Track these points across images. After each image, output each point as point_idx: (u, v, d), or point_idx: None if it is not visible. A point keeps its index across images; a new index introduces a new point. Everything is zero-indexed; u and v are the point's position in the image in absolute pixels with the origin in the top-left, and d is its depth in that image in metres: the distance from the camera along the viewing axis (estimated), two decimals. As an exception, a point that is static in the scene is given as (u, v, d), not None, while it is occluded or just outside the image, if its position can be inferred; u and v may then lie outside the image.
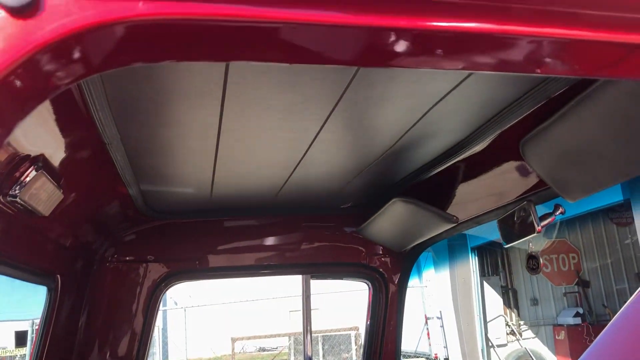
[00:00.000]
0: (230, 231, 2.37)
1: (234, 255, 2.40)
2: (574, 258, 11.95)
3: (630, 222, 9.04)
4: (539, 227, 1.53)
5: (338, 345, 13.29)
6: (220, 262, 2.37)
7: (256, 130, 1.42)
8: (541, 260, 1.82)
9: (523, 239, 1.61)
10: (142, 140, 1.44)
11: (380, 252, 2.48)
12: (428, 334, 12.30)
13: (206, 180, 1.83)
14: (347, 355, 13.34)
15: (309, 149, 1.58)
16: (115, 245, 2.17)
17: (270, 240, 2.42)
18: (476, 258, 11.64)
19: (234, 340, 12.14)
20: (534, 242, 1.67)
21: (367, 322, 2.59)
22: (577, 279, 11.83)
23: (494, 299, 12.12)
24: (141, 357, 2.24)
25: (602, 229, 11.71)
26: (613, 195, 6.80)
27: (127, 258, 2.20)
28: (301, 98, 1.23)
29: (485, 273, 12.27)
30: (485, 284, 12.07)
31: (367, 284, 2.54)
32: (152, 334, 2.30)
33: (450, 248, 11.40)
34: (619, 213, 10.68)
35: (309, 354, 2.59)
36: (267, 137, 1.47)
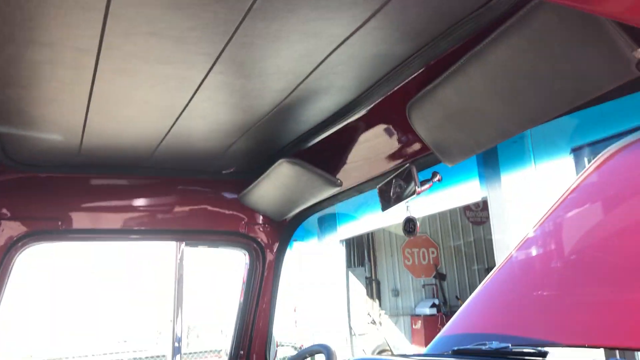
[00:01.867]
0: (100, 190, 2.18)
1: (101, 217, 2.21)
2: (433, 252, 12.80)
3: (485, 221, 9.85)
4: (419, 190, 1.58)
5: (204, 334, 13.04)
6: (87, 224, 2.17)
7: (139, 62, 1.28)
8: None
9: (402, 202, 1.66)
10: (3, 62, 1.25)
11: (260, 222, 2.44)
12: (295, 323, 12.49)
13: (77, 126, 1.65)
14: (211, 343, 13.14)
15: (194, 96, 1.48)
16: None
17: (142, 203, 2.27)
18: (344, 248, 12.03)
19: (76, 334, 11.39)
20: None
21: (240, 297, 2.53)
22: (435, 272, 12.68)
23: (359, 289, 12.60)
24: None
25: (460, 226, 12.68)
26: (473, 195, 7.34)
27: None
28: (194, 24, 1.13)
29: (351, 264, 12.71)
30: (350, 274, 12.51)
31: (244, 254, 2.48)
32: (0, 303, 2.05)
33: (320, 238, 11.67)
34: (474, 212, 11.61)
35: (179, 333, 2.49)
36: (151, 72, 1.34)
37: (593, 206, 2.57)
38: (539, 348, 1.96)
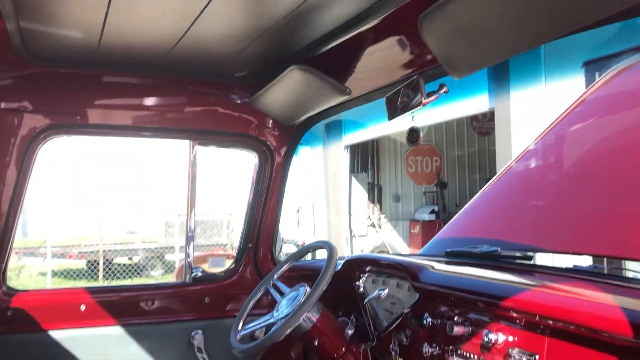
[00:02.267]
0: (116, 87, 2.26)
1: (118, 113, 2.30)
2: (436, 161, 12.97)
3: (491, 132, 9.88)
4: (425, 101, 1.65)
5: (210, 229, 13.55)
6: (104, 119, 2.27)
7: None
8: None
9: (408, 112, 1.73)
10: None
11: (270, 125, 2.52)
12: (298, 222, 12.92)
13: (97, 23, 1.70)
14: (218, 237, 13.70)
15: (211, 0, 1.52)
16: None
17: (157, 101, 2.35)
18: (348, 155, 12.18)
19: (99, 220, 11.88)
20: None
21: (249, 196, 2.67)
22: (437, 180, 12.93)
23: (361, 194, 12.92)
24: (14, 212, 2.15)
25: (465, 136, 12.75)
26: (480, 104, 7.36)
27: (2, 105, 2.03)
28: None
29: (354, 169, 12.94)
30: (354, 179, 12.77)
31: (254, 156, 2.59)
32: (25, 192, 2.19)
33: (325, 144, 11.80)
34: (481, 122, 11.62)
35: (192, 225, 2.64)
36: None
37: (597, 120, 2.62)
38: (526, 252, 2.11)
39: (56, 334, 2.25)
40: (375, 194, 13.32)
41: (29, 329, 2.22)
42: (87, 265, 12.39)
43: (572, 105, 2.67)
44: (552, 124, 2.72)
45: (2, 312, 2.17)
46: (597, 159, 2.36)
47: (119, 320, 2.34)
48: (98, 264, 11.47)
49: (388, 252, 12.38)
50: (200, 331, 2.44)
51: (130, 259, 13.21)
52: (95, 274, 11.68)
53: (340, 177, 11.80)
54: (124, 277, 12.12)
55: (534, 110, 6.12)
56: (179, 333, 2.43)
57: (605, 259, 2.70)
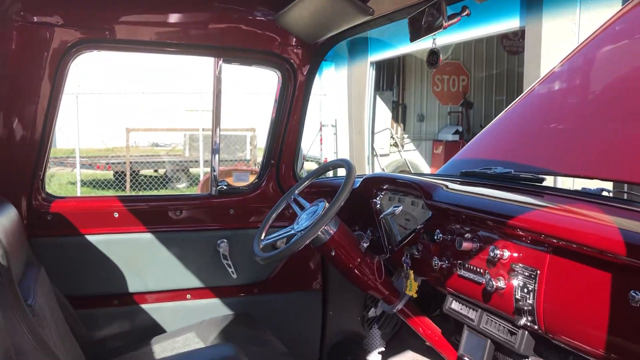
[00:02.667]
0: (144, 3, 2.30)
1: (145, 29, 2.35)
2: (463, 80, 12.73)
3: (521, 51, 9.62)
4: (446, 24, 1.66)
5: (233, 145, 13.73)
6: (131, 35, 2.32)
7: None
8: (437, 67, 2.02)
9: (431, 34, 1.75)
10: None
11: (294, 43, 2.55)
12: (321, 140, 13.01)
13: None
14: (242, 154, 13.91)
15: None
16: (21, 1, 2.04)
17: (183, 18, 2.38)
18: (374, 72, 12.00)
19: (128, 130, 12.09)
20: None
21: (272, 114, 2.74)
22: (462, 100, 12.76)
23: (384, 113, 12.84)
24: (49, 124, 2.26)
25: (494, 55, 12.41)
26: (511, 22, 7.15)
27: (35, 19, 2.09)
28: None
29: (379, 87, 12.79)
30: (378, 98, 12.65)
31: (277, 74, 2.64)
32: (59, 105, 2.30)
33: (350, 60, 11.62)
34: (512, 41, 11.27)
35: (217, 140, 2.73)
36: None
37: (625, 44, 2.57)
38: (538, 175, 2.17)
39: (92, 238, 2.43)
40: (399, 112, 13.23)
41: (67, 232, 2.40)
42: (114, 176, 12.80)
43: (601, 27, 2.61)
44: (579, 46, 2.68)
45: (43, 217, 2.35)
46: (618, 85, 2.35)
47: (149, 227, 2.51)
48: (125, 175, 11.82)
49: (410, 172, 12.50)
50: (225, 240, 2.60)
51: (156, 171, 13.58)
52: (122, 184, 12.07)
53: (364, 95, 11.71)
54: (150, 188, 12.53)
55: (566, 31, 5.94)
56: (206, 241, 2.60)
57: (614, 184, 2.75)
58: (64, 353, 1.72)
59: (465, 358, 2.01)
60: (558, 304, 1.55)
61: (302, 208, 2.30)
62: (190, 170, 13.59)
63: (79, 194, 10.83)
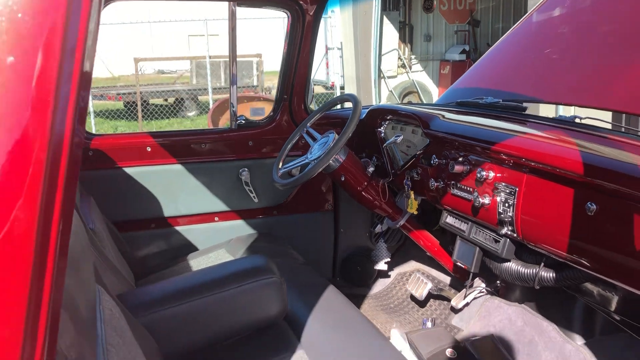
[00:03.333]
0: None
1: None
2: (470, -3, 12.55)
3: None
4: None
5: (240, 71, 13.75)
6: None
7: None
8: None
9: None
10: None
11: None
12: (327, 64, 13.03)
13: None
14: (248, 80, 13.98)
15: None
16: None
17: None
18: (381, -9, 11.83)
19: (137, 60, 12.17)
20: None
21: (283, 53, 2.95)
22: (469, 19, 12.63)
23: (391, 34, 12.75)
24: None
25: (502, -30, 12.15)
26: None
27: None
28: None
29: (386, 8, 12.62)
30: (385, 18, 12.52)
31: (287, 14, 2.83)
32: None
33: (356, -19, 11.42)
34: (519, -46, 11.02)
35: (234, 78, 2.97)
36: None
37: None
38: (522, 104, 2.42)
39: (129, 170, 2.74)
40: (406, 33, 13.12)
41: (107, 166, 2.71)
42: (125, 106, 13.02)
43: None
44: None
45: (85, 153, 2.65)
46: (607, 17, 2.52)
47: (178, 159, 2.81)
48: (135, 104, 12.02)
49: (418, 93, 12.59)
50: (246, 169, 2.90)
51: (165, 100, 13.75)
52: (133, 114, 12.29)
53: (371, 15, 11.61)
54: (161, 118, 12.75)
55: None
56: (229, 170, 2.90)
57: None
58: (122, 269, 2.07)
59: (459, 263, 2.36)
60: (532, 216, 1.85)
61: (314, 139, 2.58)
62: (200, 98, 13.74)
63: (93, 125, 11.11)
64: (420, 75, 13.28)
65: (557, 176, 1.72)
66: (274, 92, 17.43)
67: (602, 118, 2.10)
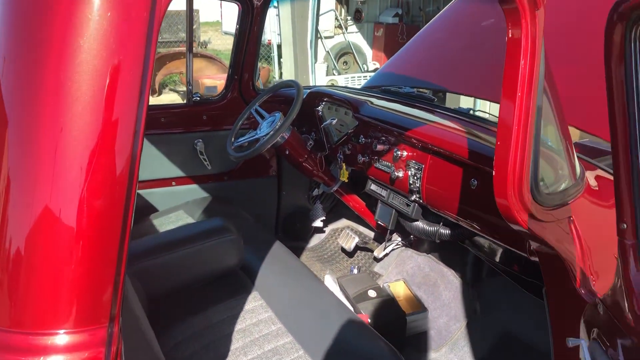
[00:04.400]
0: None
1: None
2: (402, -41, 12.93)
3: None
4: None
5: (175, 25, 13.60)
6: None
7: None
8: None
9: None
10: None
11: None
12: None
13: None
14: (183, 34, 13.85)
15: None
16: None
17: None
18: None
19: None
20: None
21: (234, 39, 3.32)
22: (402, -18, 13.07)
23: (328, -5, 12.99)
24: None
25: (434, -62, 12.57)
26: None
27: None
28: None
29: (323, -32, 12.79)
30: (321, -21, 12.71)
31: (238, 5, 3.21)
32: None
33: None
34: None
35: (191, 64, 3.32)
36: None
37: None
38: (435, 92, 2.97)
39: None
40: (343, -5, 13.40)
41: None
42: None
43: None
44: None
45: None
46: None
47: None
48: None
49: (353, 54, 13.04)
50: (200, 140, 3.31)
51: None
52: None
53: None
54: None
55: None
56: (185, 141, 3.30)
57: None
58: None
59: (379, 222, 2.93)
60: (434, 186, 2.41)
61: (262, 117, 3.03)
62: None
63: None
64: (355, 37, 13.70)
65: (451, 158, 2.28)
66: (210, 47, 17.18)
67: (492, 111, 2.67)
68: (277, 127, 2.79)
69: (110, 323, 1.00)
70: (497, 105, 1.44)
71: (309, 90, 3.30)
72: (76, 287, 0.97)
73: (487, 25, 3.16)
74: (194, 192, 3.40)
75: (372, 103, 2.92)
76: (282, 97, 3.36)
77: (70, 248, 0.96)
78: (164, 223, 3.05)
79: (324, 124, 3.03)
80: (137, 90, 0.93)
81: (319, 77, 11.77)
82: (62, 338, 0.97)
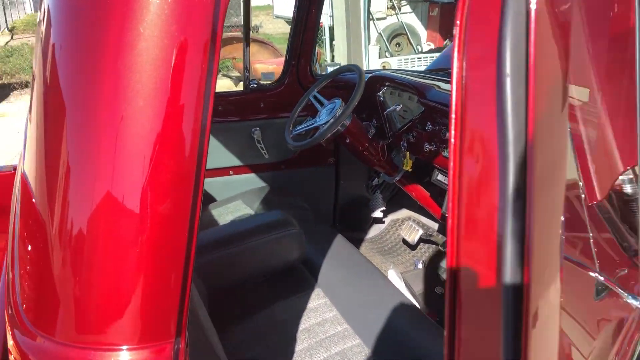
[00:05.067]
0: None
1: None
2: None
3: None
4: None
5: (227, 10, 13.62)
6: None
7: None
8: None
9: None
10: None
11: None
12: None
13: None
14: (236, 19, 13.90)
15: None
16: None
17: None
18: None
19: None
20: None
21: (291, 26, 3.21)
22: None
23: (382, -25, 12.69)
24: None
25: None
26: None
27: None
28: None
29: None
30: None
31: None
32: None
33: None
34: None
35: (248, 54, 3.22)
36: None
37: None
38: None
39: None
40: (395, -27, 13.07)
41: None
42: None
43: None
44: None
45: None
46: None
47: None
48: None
49: (407, 35, 12.72)
50: (258, 128, 3.23)
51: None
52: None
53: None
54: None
55: None
56: (242, 129, 3.22)
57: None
58: None
59: (446, 214, 2.76)
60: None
61: (321, 104, 2.90)
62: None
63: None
64: (409, 17, 13.34)
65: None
66: (261, 31, 17.24)
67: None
68: (337, 115, 2.66)
69: (176, 338, 0.92)
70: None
71: (369, 75, 3.14)
72: (139, 298, 0.89)
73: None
74: (251, 181, 3.33)
75: (439, 87, 2.74)
76: (341, 82, 3.22)
77: (132, 251, 0.88)
78: (223, 213, 2.99)
79: (388, 110, 2.88)
80: (202, 78, 0.85)
81: (372, 60, 11.53)
82: (124, 355, 0.90)
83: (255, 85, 3.24)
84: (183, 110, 0.86)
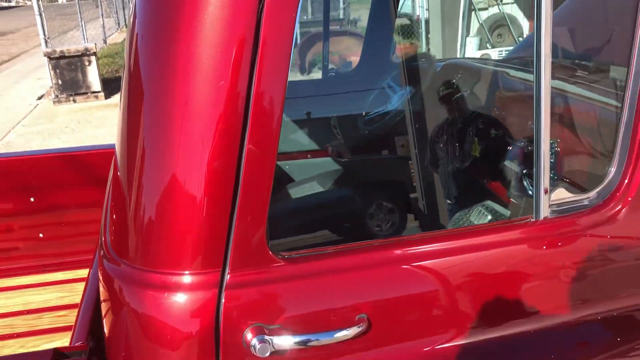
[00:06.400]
0: None
1: None
2: None
3: None
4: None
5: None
6: None
7: None
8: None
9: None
10: None
11: None
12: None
13: None
14: (334, 13, 14.08)
15: None
16: None
17: None
18: None
19: None
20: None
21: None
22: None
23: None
24: None
25: None
26: None
27: None
28: None
29: None
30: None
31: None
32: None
33: None
34: None
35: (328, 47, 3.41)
36: None
37: None
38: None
39: None
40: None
41: None
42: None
43: None
44: None
45: None
46: None
47: None
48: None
49: (508, 26, 12.32)
50: (334, 114, 3.41)
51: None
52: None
53: None
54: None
55: None
56: (320, 115, 3.42)
57: None
58: None
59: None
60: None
61: (393, 91, 3.03)
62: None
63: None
64: (511, 8, 12.89)
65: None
66: (359, 25, 17.42)
67: None
68: (407, 101, 2.77)
69: (223, 269, 1.19)
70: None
71: (442, 63, 3.21)
72: (198, 238, 1.15)
73: None
74: (327, 164, 3.51)
75: (508, 74, 2.76)
76: (414, 70, 3.31)
77: (193, 206, 1.12)
78: (298, 193, 3.20)
79: (456, 96, 2.94)
80: (283, 65, 1.12)
81: (468, 52, 11.31)
82: (186, 277, 1.18)
83: (334, 74, 3.41)
84: (236, 95, 1.11)
